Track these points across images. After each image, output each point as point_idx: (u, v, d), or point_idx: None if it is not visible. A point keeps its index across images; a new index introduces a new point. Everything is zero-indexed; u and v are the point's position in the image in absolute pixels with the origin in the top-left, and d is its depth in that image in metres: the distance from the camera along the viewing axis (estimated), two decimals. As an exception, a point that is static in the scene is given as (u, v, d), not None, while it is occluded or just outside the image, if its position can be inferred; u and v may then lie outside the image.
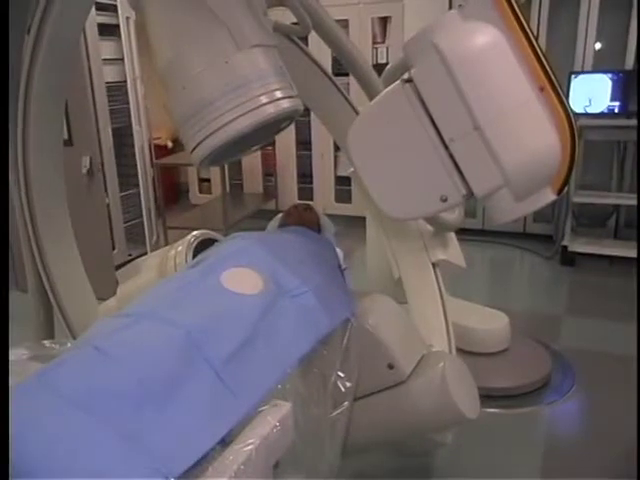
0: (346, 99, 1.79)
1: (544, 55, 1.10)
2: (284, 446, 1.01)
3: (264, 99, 1.17)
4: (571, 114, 1.09)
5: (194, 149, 1.21)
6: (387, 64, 1.96)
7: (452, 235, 1.96)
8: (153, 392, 0.90)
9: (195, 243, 1.60)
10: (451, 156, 1.14)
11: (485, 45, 1.10)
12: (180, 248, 1.58)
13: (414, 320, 1.66)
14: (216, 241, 1.66)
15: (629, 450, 1.72)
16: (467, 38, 1.11)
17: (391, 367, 1.38)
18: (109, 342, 0.97)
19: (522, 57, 1.09)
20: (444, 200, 1.18)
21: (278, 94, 1.19)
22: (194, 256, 1.54)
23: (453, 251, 1.93)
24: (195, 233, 1.65)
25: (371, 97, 1.57)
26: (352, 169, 2.15)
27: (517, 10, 1.09)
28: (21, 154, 1.75)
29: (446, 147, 1.14)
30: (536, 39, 1.11)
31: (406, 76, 1.20)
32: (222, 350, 1.02)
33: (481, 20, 1.11)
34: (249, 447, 0.91)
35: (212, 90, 1.15)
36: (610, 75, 3.46)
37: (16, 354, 1.09)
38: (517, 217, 1.19)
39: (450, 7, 3.83)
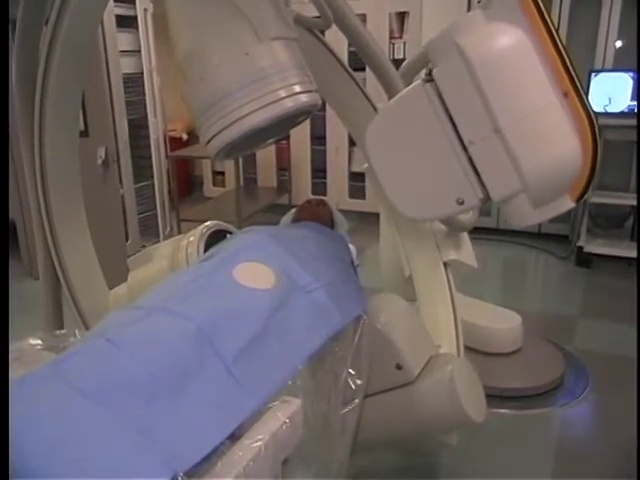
0: (364, 95, 1.77)
1: (569, 59, 1.07)
2: (293, 442, 1.00)
3: (283, 93, 1.15)
4: (595, 122, 1.07)
5: (210, 140, 1.20)
6: (404, 60, 1.95)
7: (464, 234, 1.94)
8: (164, 386, 0.90)
9: (208, 233, 1.60)
10: (470, 159, 1.13)
11: (509, 47, 1.08)
12: (192, 238, 1.58)
13: (423, 319, 1.65)
14: (228, 232, 1.66)
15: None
16: (491, 39, 1.09)
17: (399, 367, 1.37)
18: (121, 334, 0.97)
19: (547, 60, 1.07)
20: (460, 203, 1.17)
21: (297, 88, 1.17)
22: (206, 246, 1.54)
23: (465, 251, 1.92)
24: (208, 223, 1.65)
25: (389, 93, 1.56)
26: (366, 165, 2.14)
27: (544, 12, 1.07)
28: (37, 144, 1.76)
29: (465, 149, 1.13)
30: (562, 42, 1.08)
31: (426, 73, 1.18)
32: (233, 345, 1.02)
33: (506, 21, 1.09)
34: (258, 443, 0.91)
35: (231, 82, 1.14)
36: (631, 74, 3.40)
37: (29, 344, 1.10)
38: (534, 223, 1.18)
39: (469, 3, 3.79)
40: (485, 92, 1.06)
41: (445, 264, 1.77)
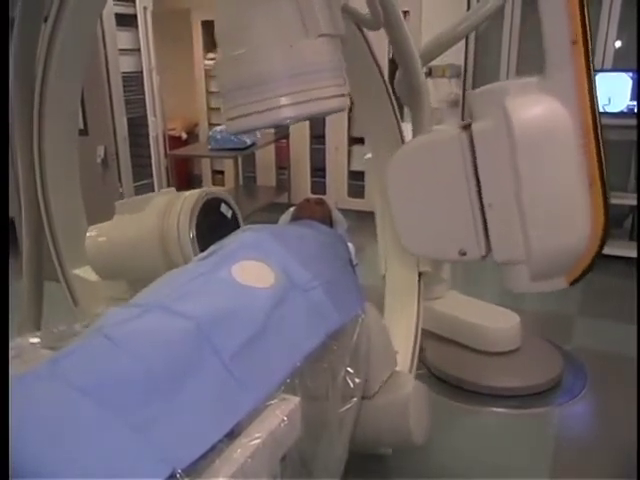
0: (392, 103, 1.79)
1: (604, 150, 1.08)
2: (291, 440, 1.00)
3: (317, 94, 1.13)
4: (609, 218, 1.08)
5: (233, 119, 1.17)
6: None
7: None
8: (162, 383, 0.90)
9: (205, 199, 1.58)
10: (484, 217, 1.14)
11: (553, 125, 1.07)
12: (189, 199, 1.56)
13: (386, 320, 1.68)
14: (223, 201, 1.65)
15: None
16: (538, 113, 1.08)
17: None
18: (119, 332, 0.97)
19: (583, 145, 1.06)
20: (462, 254, 1.19)
21: (331, 91, 1.15)
22: (199, 214, 1.54)
23: (443, 264, 1.96)
24: (206, 189, 1.63)
25: (414, 95, 1.59)
26: (368, 155, 2.15)
27: (595, 101, 1.06)
28: (37, 143, 1.76)
29: (482, 207, 1.14)
30: (602, 132, 1.08)
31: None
32: (231, 343, 1.02)
33: (557, 97, 1.07)
34: (256, 441, 0.91)
35: (268, 70, 1.11)
36: (630, 74, 3.40)
37: (28, 342, 1.10)
38: (526, 292, 1.22)
39: (468, 3, 3.79)
40: (518, 161, 1.06)
41: (420, 274, 1.80)
